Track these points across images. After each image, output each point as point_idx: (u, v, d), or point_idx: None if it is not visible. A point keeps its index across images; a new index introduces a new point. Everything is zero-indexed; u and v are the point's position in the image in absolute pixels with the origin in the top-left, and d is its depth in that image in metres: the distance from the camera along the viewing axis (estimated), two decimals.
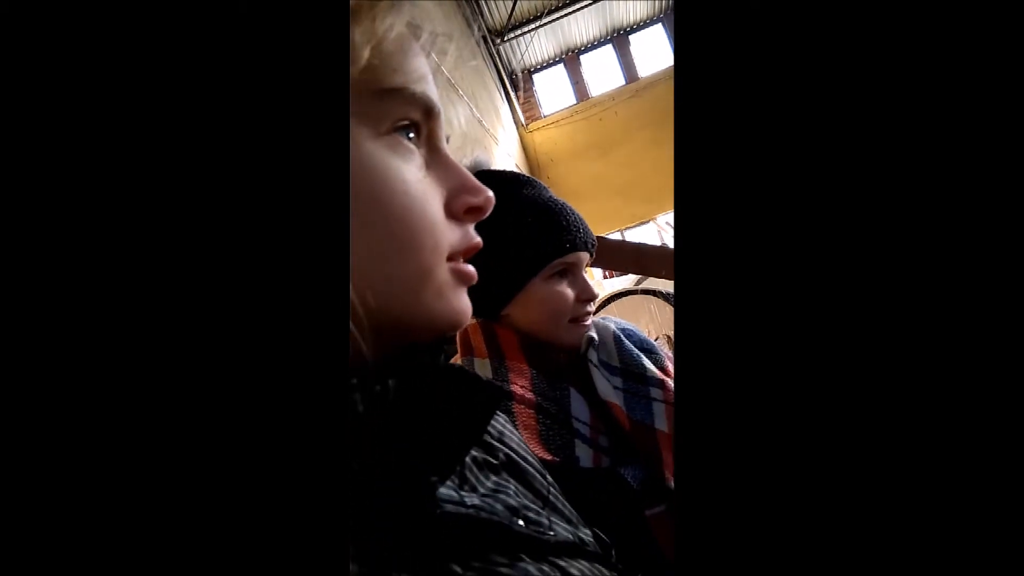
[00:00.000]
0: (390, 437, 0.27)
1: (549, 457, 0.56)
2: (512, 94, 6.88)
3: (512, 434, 0.39)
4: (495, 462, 0.34)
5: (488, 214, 0.31)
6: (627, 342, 0.67)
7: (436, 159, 0.29)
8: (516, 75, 7.28)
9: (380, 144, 0.26)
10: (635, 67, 7.20)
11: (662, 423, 0.60)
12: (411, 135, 0.28)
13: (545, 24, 6.56)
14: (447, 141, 0.31)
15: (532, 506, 0.33)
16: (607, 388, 0.63)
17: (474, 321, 0.68)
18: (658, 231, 6.46)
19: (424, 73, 0.28)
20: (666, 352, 0.71)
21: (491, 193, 0.31)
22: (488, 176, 0.67)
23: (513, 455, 0.36)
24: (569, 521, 0.36)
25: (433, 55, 0.30)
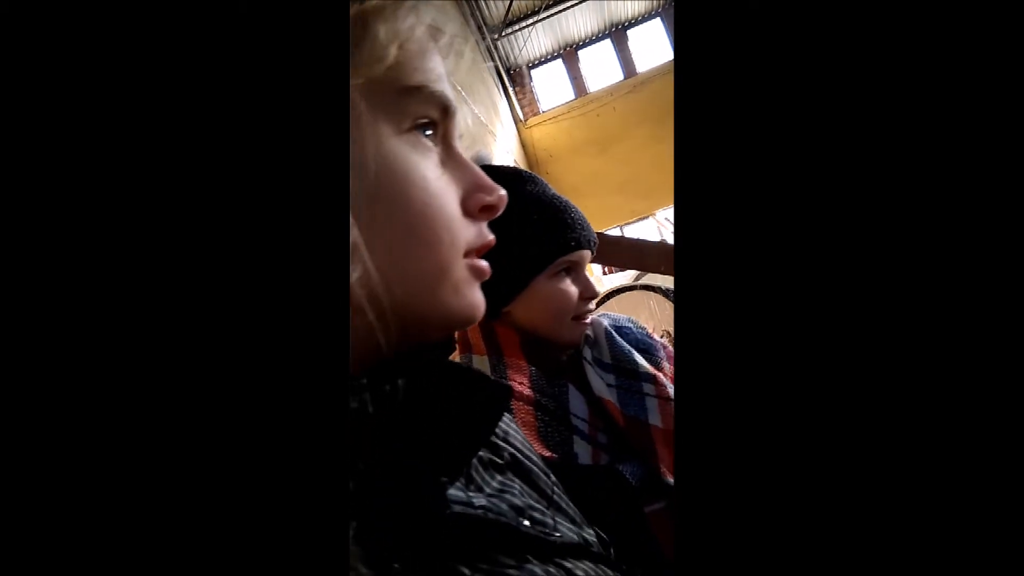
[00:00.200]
0: (399, 437, 0.27)
1: (548, 454, 0.56)
2: (510, 90, 6.87)
3: (516, 433, 0.39)
4: (500, 462, 0.34)
5: (501, 212, 0.31)
6: (618, 338, 0.67)
7: (451, 157, 0.30)
8: (514, 70, 7.27)
9: (402, 141, 0.27)
10: (633, 62, 7.19)
11: (656, 418, 0.60)
12: (428, 133, 0.28)
13: (543, 19, 6.55)
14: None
15: (537, 506, 0.33)
16: (601, 385, 0.63)
17: None
18: (657, 227, 6.46)
19: (441, 73, 0.29)
20: (665, 348, 0.71)
21: (504, 192, 0.31)
22: (490, 172, 0.67)
23: (518, 454, 0.36)
24: (573, 521, 0.36)
25: (451, 57, 0.30)
